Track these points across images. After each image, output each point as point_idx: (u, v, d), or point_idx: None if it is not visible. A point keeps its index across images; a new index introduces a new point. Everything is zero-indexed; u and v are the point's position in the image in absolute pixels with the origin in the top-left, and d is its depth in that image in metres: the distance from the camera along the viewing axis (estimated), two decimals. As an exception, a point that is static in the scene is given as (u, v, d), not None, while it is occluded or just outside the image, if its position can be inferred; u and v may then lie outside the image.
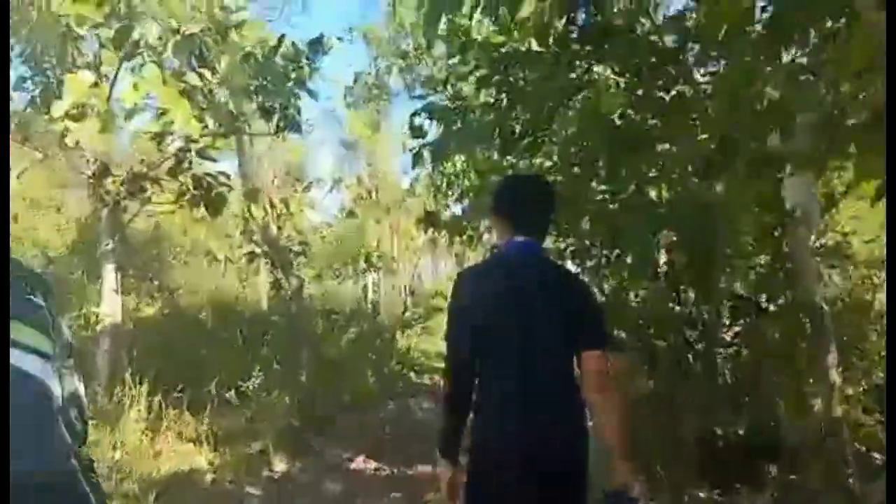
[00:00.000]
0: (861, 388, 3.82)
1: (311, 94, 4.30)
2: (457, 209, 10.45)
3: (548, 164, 5.12)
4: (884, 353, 3.60)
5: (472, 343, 1.80)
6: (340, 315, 9.95)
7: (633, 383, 4.51)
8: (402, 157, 17.47)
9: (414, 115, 6.82)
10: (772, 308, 3.69)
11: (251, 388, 5.34)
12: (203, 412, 4.98)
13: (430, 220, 11.15)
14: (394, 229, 14.72)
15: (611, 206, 4.03)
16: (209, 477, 4.38)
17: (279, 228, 10.39)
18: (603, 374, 1.79)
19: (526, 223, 1.95)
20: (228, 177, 4.51)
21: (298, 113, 4.45)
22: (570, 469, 1.80)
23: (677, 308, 4.31)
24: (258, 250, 9.35)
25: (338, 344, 8.19)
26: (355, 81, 6.86)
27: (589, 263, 5.43)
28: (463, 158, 8.38)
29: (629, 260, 4.44)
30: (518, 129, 4.60)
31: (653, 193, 3.99)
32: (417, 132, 5.93)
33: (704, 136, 3.00)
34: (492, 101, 5.45)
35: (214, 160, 4.78)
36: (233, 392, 5.05)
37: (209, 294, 7.88)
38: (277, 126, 4.74)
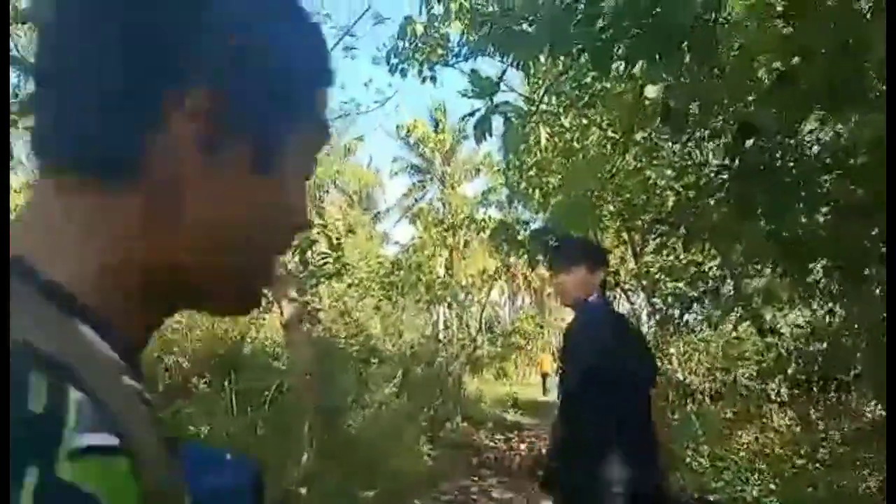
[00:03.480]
0: None
1: None
2: (537, 223, 7.98)
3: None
4: None
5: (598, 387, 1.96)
6: (387, 357, 7.59)
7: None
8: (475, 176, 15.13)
9: (475, 52, 4.47)
10: None
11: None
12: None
13: (503, 234, 8.62)
14: (460, 253, 12.33)
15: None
16: None
17: (309, 247, 8.27)
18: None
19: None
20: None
21: None
22: None
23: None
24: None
25: (373, 400, 5.80)
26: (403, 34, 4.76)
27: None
28: (547, 134, 5.93)
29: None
30: None
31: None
32: (484, 86, 3.78)
33: None
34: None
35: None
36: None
37: (195, 336, 5.74)
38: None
